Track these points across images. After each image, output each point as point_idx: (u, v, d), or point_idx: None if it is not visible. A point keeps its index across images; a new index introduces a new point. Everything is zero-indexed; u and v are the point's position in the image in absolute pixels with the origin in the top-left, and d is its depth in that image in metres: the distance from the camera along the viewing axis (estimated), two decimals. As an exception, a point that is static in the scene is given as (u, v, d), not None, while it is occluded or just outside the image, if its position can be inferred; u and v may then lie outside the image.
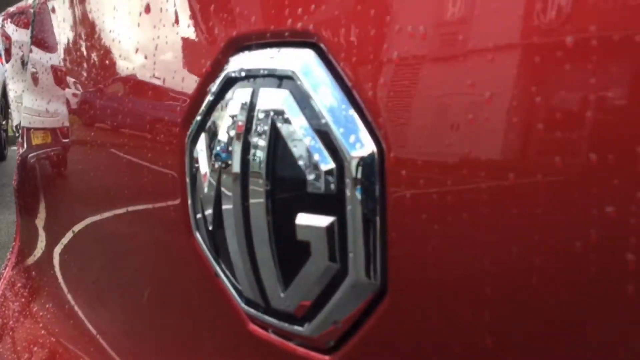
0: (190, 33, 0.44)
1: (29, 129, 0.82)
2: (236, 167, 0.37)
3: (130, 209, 0.54)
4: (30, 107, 0.80)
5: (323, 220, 0.33)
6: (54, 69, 0.72)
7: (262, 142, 0.36)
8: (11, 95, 0.99)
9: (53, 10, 0.69)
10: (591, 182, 0.24)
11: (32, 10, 0.76)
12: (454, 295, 0.29)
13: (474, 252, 0.28)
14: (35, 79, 0.79)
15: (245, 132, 0.37)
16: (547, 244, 0.25)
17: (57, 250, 0.76)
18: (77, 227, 0.69)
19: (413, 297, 0.31)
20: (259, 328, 0.40)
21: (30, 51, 0.79)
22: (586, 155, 0.24)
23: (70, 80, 0.66)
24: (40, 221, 0.84)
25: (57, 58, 0.70)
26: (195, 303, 0.48)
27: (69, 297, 0.71)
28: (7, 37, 1.00)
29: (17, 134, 0.91)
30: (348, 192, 0.32)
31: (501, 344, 0.28)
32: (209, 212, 0.41)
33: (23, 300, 0.82)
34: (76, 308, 0.69)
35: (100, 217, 0.62)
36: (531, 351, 0.27)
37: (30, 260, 0.87)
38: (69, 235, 0.71)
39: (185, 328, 0.50)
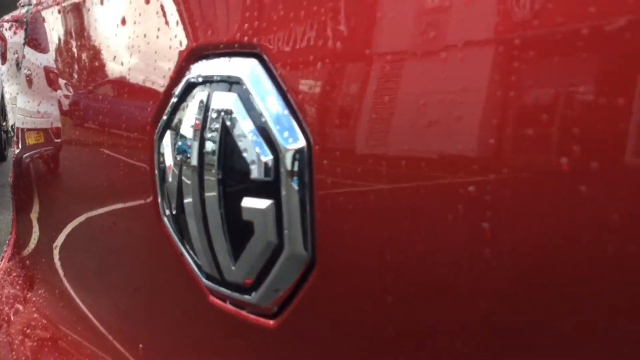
0: (159, 43, 0.50)
1: (22, 129, 0.88)
2: (194, 160, 0.43)
3: (111, 200, 0.60)
4: (24, 108, 0.86)
5: (263, 203, 0.39)
6: (46, 72, 0.78)
7: (214, 138, 0.42)
8: (7, 96, 1.05)
9: (44, 19, 0.75)
10: (457, 168, 0.30)
11: (25, 19, 0.82)
12: (362, 263, 0.35)
13: (376, 226, 0.34)
14: (28, 81, 0.85)
15: (201, 130, 0.43)
16: (429, 217, 0.32)
17: (50, 241, 0.82)
18: (67, 219, 0.75)
19: (336, 266, 0.37)
20: (218, 300, 0.47)
21: (24, 56, 0.85)
22: (455, 147, 0.30)
23: (60, 83, 0.72)
24: (34, 215, 0.90)
25: (47, 62, 0.76)
26: (165, 280, 0.54)
27: (60, 282, 0.77)
28: (4, 40, 1.06)
29: (11, 134, 0.98)
30: (283, 179, 0.38)
31: (398, 300, 0.34)
32: (173, 199, 0.47)
33: (18, 287, 0.88)
34: (66, 292, 0.75)
35: (87, 209, 0.68)
36: (418, 305, 0.33)
37: (25, 251, 0.94)
38: (60, 227, 0.78)
39: (159, 303, 0.56)
